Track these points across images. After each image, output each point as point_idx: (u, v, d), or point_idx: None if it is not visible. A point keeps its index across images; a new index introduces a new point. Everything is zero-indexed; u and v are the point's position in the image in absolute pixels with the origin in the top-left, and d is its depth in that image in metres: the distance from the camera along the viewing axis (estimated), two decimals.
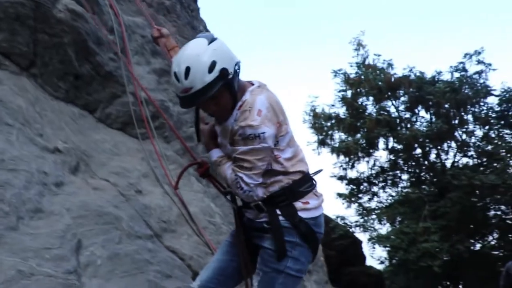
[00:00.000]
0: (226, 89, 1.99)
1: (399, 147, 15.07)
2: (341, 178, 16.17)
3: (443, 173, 14.06)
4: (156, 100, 4.21)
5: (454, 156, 15.09)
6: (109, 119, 3.83)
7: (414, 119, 15.57)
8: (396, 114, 15.47)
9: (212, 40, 2.01)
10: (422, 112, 15.33)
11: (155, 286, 2.57)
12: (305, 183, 2.12)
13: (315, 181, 2.22)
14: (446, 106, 14.14)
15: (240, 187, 1.99)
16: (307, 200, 2.09)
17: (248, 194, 2.00)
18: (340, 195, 16.08)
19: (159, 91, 4.37)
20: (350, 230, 14.46)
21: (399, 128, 14.94)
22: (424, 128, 14.45)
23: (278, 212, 2.04)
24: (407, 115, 15.63)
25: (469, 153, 14.91)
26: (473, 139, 14.83)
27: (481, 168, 13.59)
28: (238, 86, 2.05)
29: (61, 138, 3.08)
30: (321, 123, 16.06)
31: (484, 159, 14.23)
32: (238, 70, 2.03)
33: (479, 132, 14.72)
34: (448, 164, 15.05)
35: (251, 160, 1.95)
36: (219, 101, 2.01)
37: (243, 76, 2.18)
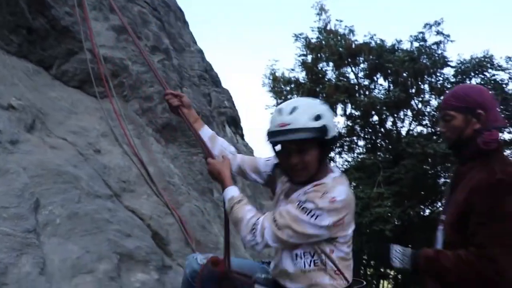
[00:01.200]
0: (317, 148, 1.96)
1: (356, 113, 15.37)
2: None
3: (398, 140, 14.50)
4: (115, 58, 4.12)
5: (410, 124, 15.55)
6: (66, 77, 3.71)
7: (373, 87, 15.84)
8: (355, 81, 15.69)
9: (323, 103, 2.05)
10: (381, 80, 15.60)
11: (115, 245, 2.59)
12: None
13: None
14: (404, 75, 14.43)
15: (254, 233, 1.93)
16: None
17: (254, 245, 1.95)
18: None
19: (118, 49, 4.26)
20: None
21: (357, 95, 15.17)
22: (382, 96, 14.73)
23: None
24: (366, 82, 15.87)
25: (424, 122, 15.36)
26: (428, 109, 15.26)
27: (434, 137, 14.08)
28: (322, 164, 2.01)
29: (15, 95, 2.96)
30: (280, 87, 16.11)
31: (438, 129, 14.73)
32: (333, 144, 2.07)
33: (434, 102, 15.15)
34: (404, 132, 15.53)
35: (289, 224, 1.89)
36: (305, 157, 1.96)
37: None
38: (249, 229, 1.93)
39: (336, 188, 1.92)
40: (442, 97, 14.30)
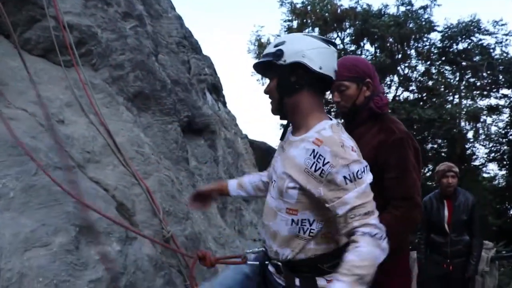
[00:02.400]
0: (276, 76, 1.89)
1: None
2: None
3: None
4: (82, 25, 3.99)
5: (396, 90, 15.44)
6: (29, 45, 3.60)
7: (359, 52, 15.63)
8: (341, 46, 15.46)
9: (326, 41, 1.91)
10: (367, 46, 15.43)
11: (74, 217, 2.56)
12: (335, 259, 1.78)
13: None
14: (391, 40, 14.23)
15: (381, 237, 1.68)
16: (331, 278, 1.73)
17: (386, 240, 1.72)
18: (283, 126, 16.33)
19: (85, 16, 4.12)
20: None
21: None
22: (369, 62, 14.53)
23: (298, 283, 1.83)
24: (352, 48, 15.66)
25: (411, 88, 15.25)
26: (415, 74, 15.14)
27: (421, 103, 14.01)
28: (304, 102, 1.87)
29: None
30: None
31: (424, 94, 14.65)
32: (300, 74, 1.83)
33: (421, 67, 15.02)
34: (390, 98, 15.41)
35: (368, 201, 1.71)
36: (270, 86, 1.93)
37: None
38: (378, 241, 1.67)
39: (343, 137, 1.79)
40: (428, 63, 14.18)
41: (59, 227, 2.44)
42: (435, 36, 14.70)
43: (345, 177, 1.70)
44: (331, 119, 1.91)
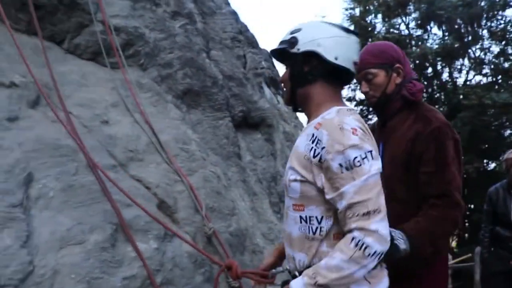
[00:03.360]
0: (289, 62, 1.78)
1: (411, 66, 14.41)
2: (349, 99, 15.83)
3: (454, 92, 13.47)
4: (129, 27, 4.10)
5: (467, 74, 14.33)
6: (79, 50, 3.76)
7: (426, 37, 14.71)
8: (407, 32, 14.64)
9: (345, 30, 1.76)
10: (435, 29, 14.44)
11: (111, 215, 2.62)
12: None
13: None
14: (459, 21, 13.20)
15: (369, 252, 1.43)
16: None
17: (378, 258, 1.48)
18: None
19: (133, 18, 4.23)
20: None
21: (409, 46, 14.15)
22: (436, 46, 13.61)
23: None
24: (419, 32, 14.75)
25: (484, 71, 14.02)
26: (488, 56, 13.89)
27: (496, 87, 12.85)
28: (317, 92, 1.72)
29: (19, 72, 3.04)
30: None
31: (499, 77, 13.42)
32: (315, 64, 1.69)
33: (495, 48, 13.74)
34: (461, 83, 14.34)
35: (370, 198, 1.47)
36: (284, 74, 1.82)
37: None
38: (361, 256, 1.44)
39: (346, 119, 1.58)
40: (503, 43, 12.76)
41: (95, 225, 2.51)
42: (510, 13, 13.46)
43: (340, 165, 1.50)
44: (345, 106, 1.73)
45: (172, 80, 4.31)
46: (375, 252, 1.44)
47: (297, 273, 1.65)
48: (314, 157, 1.57)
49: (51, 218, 2.39)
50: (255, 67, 6.55)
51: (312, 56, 1.69)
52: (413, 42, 14.42)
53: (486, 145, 13.20)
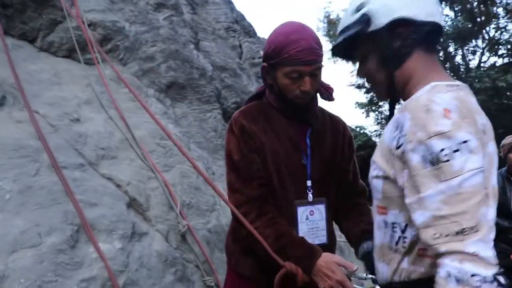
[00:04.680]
0: (372, 49, 1.37)
1: None
2: (359, 86, 15.49)
3: (467, 75, 12.94)
4: (106, 21, 4.00)
5: (481, 56, 13.75)
6: (53, 47, 3.69)
7: None
8: None
9: None
10: (447, 10, 13.87)
11: (73, 216, 2.54)
12: None
13: None
14: (472, 0, 12.65)
15: (476, 280, 1.03)
16: None
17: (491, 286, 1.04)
18: (359, 104, 15.47)
19: (111, 12, 4.15)
20: (371, 139, 13.92)
21: None
22: (448, 28, 13.05)
23: None
24: None
25: (500, 52, 13.39)
26: (506, 36, 13.27)
27: None
28: (415, 67, 1.33)
29: None
30: (336, 30, 15.11)
31: None
32: (405, 33, 1.30)
33: (511, 27, 13.20)
34: (474, 65, 13.78)
35: (465, 211, 1.07)
36: (367, 67, 1.41)
37: None
38: None
39: (436, 98, 1.16)
40: None
41: (54, 227, 2.42)
42: None
43: (423, 158, 1.11)
44: (451, 81, 1.30)
45: (154, 73, 4.21)
46: (484, 278, 1.03)
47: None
48: (397, 148, 1.20)
49: (4, 221, 2.31)
50: (252, 56, 6.40)
51: (398, 25, 1.30)
52: None
53: (502, 130, 12.70)
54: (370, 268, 1.70)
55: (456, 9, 13.47)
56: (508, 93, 11.56)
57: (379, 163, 1.30)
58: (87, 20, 3.83)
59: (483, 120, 1.27)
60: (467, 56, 13.83)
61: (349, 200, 2.00)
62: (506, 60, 13.05)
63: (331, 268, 1.60)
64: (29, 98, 3.12)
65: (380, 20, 1.30)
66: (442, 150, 1.08)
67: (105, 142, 3.18)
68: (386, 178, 1.27)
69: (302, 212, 1.81)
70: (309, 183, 1.83)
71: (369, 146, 12.40)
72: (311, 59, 1.68)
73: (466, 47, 13.65)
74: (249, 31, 6.71)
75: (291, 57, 1.67)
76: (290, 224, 1.76)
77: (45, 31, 3.64)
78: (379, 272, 1.39)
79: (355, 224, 1.90)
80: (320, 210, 1.86)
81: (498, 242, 3.96)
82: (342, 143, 1.97)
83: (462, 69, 13.69)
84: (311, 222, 1.83)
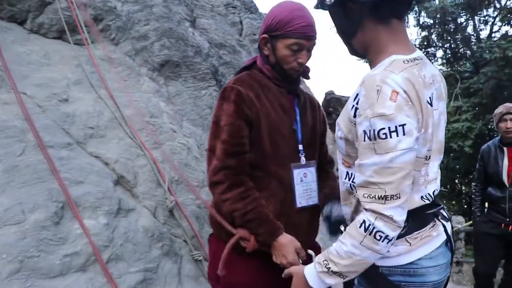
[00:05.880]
0: (332, 17, 1.54)
1: (430, 22, 13.50)
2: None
3: (477, 46, 12.54)
4: (97, 1, 4.01)
5: (492, 26, 13.27)
6: (43, 29, 3.72)
7: None
8: None
9: None
10: None
11: (58, 193, 2.60)
12: None
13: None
14: None
15: (380, 235, 1.30)
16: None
17: (391, 243, 1.34)
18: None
19: None
20: None
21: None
22: None
23: None
24: None
25: None
26: None
27: None
28: (370, 37, 1.46)
29: None
30: None
31: None
32: (352, 5, 1.43)
33: None
34: (485, 35, 13.30)
35: (391, 181, 1.28)
36: (336, 25, 1.56)
37: None
38: (372, 241, 1.32)
39: (389, 79, 1.29)
40: None
41: (38, 204, 2.48)
42: None
43: (364, 132, 1.30)
44: (410, 54, 1.41)
45: (147, 52, 4.21)
46: (386, 237, 1.30)
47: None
48: (354, 116, 1.38)
49: None
50: (253, 33, 6.34)
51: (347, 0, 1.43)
52: None
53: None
54: (329, 228, 1.92)
55: None
56: None
57: (341, 126, 1.48)
58: (77, 0, 3.84)
59: (432, 89, 1.43)
60: (479, 26, 13.37)
61: (320, 167, 2.10)
62: None
63: (287, 249, 1.77)
64: (18, 79, 3.17)
65: None
66: (382, 129, 1.27)
67: (93, 121, 3.22)
68: (347, 140, 1.47)
69: (297, 174, 1.93)
70: (300, 147, 1.96)
71: None
72: (312, 35, 1.86)
73: (477, 17, 13.20)
74: (250, 7, 6.64)
75: (296, 30, 1.82)
76: (287, 187, 1.89)
77: (34, 12, 3.66)
78: (345, 214, 1.61)
79: (321, 189, 2.04)
80: (312, 172, 1.99)
81: (490, 211, 3.90)
82: (319, 118, 2.13)
83: (473, 40, 13.28)
84: (305, 183, 1.95)
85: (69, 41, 3.73)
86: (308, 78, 2.07)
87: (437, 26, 13.20)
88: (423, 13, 13.43)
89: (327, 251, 1.43)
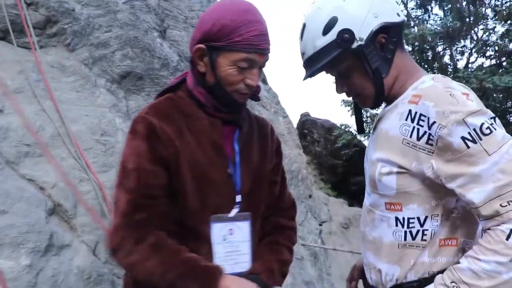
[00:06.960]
0: (357, 63, 1.31)
1: (409, 49, 13.51)
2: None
3: (454, 76, 12.57)
4: (51, 1, 3.57)
5: (469, 56, 13.34)
6: None
7: (427, 17, 13.82)
8: (405, 12, 13.73)
9: None
10: (436, 9, 13.57)
11: None
12: None
13: None
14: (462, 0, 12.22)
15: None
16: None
17: None
18: (345, 102, 14.99)
19: None
20: (355, 138, 13.38)
21: (408, 28, 13.21)
22: (437, 27, 12.58)
23: None
24: (418, 12, 13.91)
25: (488, 53, 12.91)
26: (493, 37, 12.77)
27: (500, 70, 11.79)
28: (400, 66, 1.34)
29: None
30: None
31: (504, 59, 12.33)
32: (386, 39, 1.30)
33: (500, 28, 12.64)
34: (462, 66, 13.38)
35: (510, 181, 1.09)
36: (352, 81, 1.35)
37: None
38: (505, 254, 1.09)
39: (452, 84, 1.24)
40: (509, 22, 11.78)
41: None
42: None
43: (464, 138, 1.12)
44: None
45: (107, 62, 3.78)
46: None
47: None
48: (418, 139, 1.20)
49: None
50: None
51: (377, 33, 1.30)
52: (412, 23, 13.50)
53: None
54: None
55: (445, 8, 13.05)
56: (494, 95, 11.17)
57: (392, 159, 1.25)
58: None
59: None
60: (455, 56, 13.39)
61: (271, 219, 1.59)
62: (493, 61, 12.60)
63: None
64: None
65: (361, 34, 1.27)
66: (483, 124, 1.12)
67: (31, 138, 2.76)
68: (403, 172, 1.24)
69: (218, 230, 1.39)
70: (238, 198, 1.42)
71: (354, 145, 12.05)
72: (266, 48, 1.36)
73: (455, 47, 13.20)
74: None
75: (245, 41, 1.31)
76: (207, 245, 1.38)
77: None
78: (383, 274, 1.33)
79: (256, 255, 1.49)
80: (241, 229, 1.44)
81: None
82: (271, 150, 1.58)
83: (450, 69, 13.25)
84: (230, 244, 1.42)
85: (13, 43, 3.27)
86: (257, 100, 1.53)
87: (415, 54, 13.11)
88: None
89: (453, 270, 1.16)
